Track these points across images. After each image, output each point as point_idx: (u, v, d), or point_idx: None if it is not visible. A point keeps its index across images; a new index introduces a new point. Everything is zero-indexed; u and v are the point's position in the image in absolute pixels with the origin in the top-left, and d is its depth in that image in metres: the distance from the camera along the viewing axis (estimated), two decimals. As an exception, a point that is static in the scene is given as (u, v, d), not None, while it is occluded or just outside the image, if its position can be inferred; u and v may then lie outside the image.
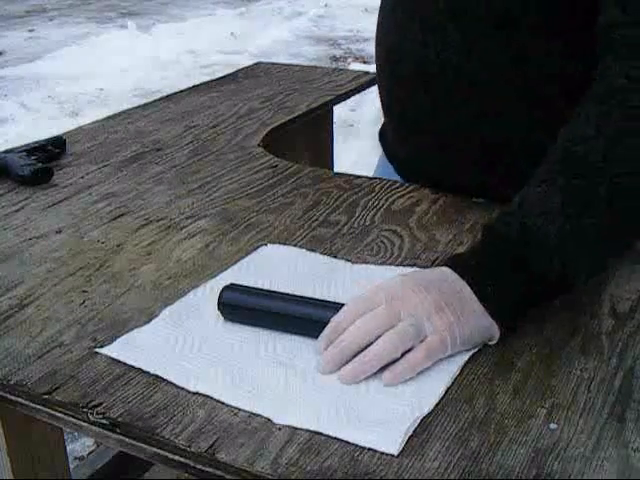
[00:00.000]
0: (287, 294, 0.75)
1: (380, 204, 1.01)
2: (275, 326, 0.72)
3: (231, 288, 0.75)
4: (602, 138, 0.72)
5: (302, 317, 0.71)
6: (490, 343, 0.70)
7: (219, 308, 0.74)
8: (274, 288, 0.77)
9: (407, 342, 0.66)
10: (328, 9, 7.35)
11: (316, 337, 0.70)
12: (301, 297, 0.74)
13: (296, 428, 0.60)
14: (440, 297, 0.68)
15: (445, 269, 0.72)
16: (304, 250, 0.89)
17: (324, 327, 0.70)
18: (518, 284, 0.70)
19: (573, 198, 0.71)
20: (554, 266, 0.70)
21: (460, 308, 0.68)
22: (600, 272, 0.77)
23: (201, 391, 0.64)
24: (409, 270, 0.81)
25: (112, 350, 0.70)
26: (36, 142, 1.21)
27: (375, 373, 0.66)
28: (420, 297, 0.68)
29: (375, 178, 1.10)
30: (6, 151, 1.17)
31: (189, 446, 0.59)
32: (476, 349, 0.69)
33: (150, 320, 0.75)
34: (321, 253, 0.88)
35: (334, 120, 1.84)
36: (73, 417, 0.64)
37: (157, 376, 0.66)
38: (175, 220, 0.98)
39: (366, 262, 0.86)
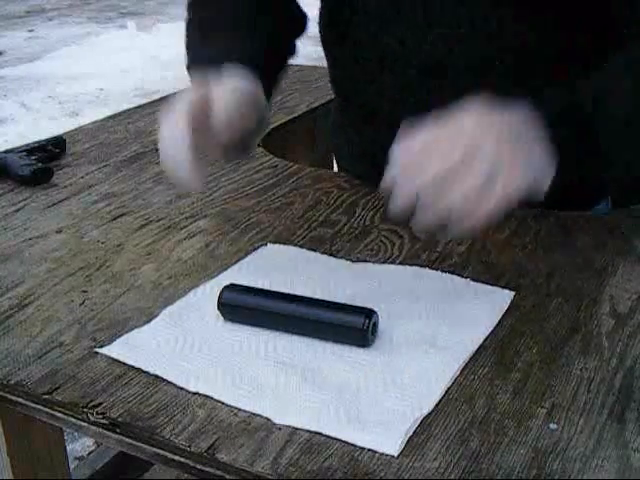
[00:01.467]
0: (287, 294, 0.75)
1: (380, 204, 1.01)
2: (275, 326, 0.72)
3: (231, 288, 0.75)
4: None
5: (302, 317, 0.71)
6: (537, 197, 0.70)
7: (219, 308, 0.74)
8: (274, 288, 0.77)
9: (479, 191, 0.65)
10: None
11: (316, 337, 0.70)
12: (301, 297, 0.74)
13: (296, 428, 0.60)
14: (511, 142, 0.67)
15: (519, 108, 0.70)
16: (304, 250, 0.89)
17: (324, 327, 0.70)
18: (579, 144, 0.71)
19: None
20: (609, 142, 0.72)
21: (528, 153, 0.68)
22: (627, 174, 0.79)
23: (201, 391, 0.64)
24: (414, 273, 0.81)
25: (112, 350, 0.70)
26: (36, 142, 1.21)
27: (375, 373, 0.66)
28: (493, 142, 0.66)
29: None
30: (6, 151, 1.17)
31: (189, 446, 0.59)
32: (476, 348, 0.69)
33: (150, 320, 0.75)
34: (321, 253, 0.88)
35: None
36: (73, 417, 0.64)
37: (157, 376, 0.66)
38: (175, 220, 0.98)
39: (366, 262, 0.86)
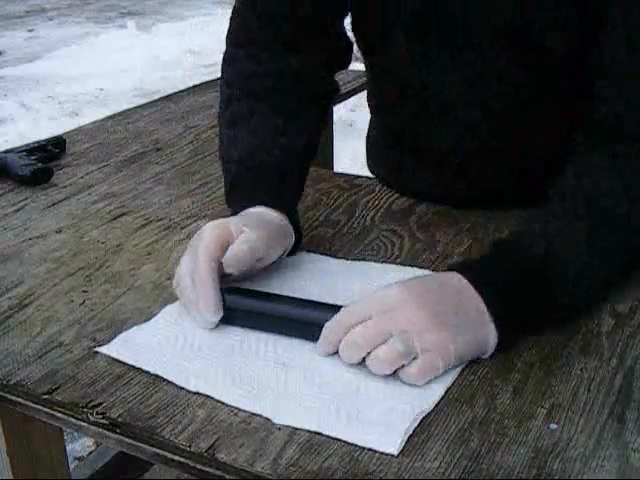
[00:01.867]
0: (287, 297, 0.75)
1: (380, 204, 1.01)
2: (275, 329, 0.72)
3: (231, 291, 0.75)
4: (628, 194, 0.75)
5: (301, 320, 0.71)
6: (483, 357, 0.69)
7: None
8: (274, 288, 0.77)
9: (396, 362, 0.64)
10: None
11: (316, 340, 0.70)
12: (300, 300, 0.73)
13: (296, 428, 0.60)
14: (437, 310, 0.66)
15: (453, 274, 0.70)
16: (304, 250, 0.89)
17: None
18: (529, 300, 0.70)
19: (596, 240, 0.73)
20: (565, 295, 0.71)
21: (458, 322, 0.66)
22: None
23: (201, 391, 0.64)
24: (415, 273, 0.80)
25: (112, 349, 0.70)
26: (36, 142, 1.21)
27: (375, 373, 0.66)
28: (414, 311, 0.65)
29: (375, 178, 1.10)
30: (6, 151, 1.17)
31: (189, 446, 0.59)
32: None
33: (150, 319, 0.75)
34: (321, 253, 0.88)
35: (334, 120, 1.84)
36: (73, 417, 0.64)
37: (157, 376, 0.66)
38: (175, 220, 0.98)
39: (366, 262, 0.86)
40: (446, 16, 0.88)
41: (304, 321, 0.71)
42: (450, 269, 0.71)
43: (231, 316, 0.73)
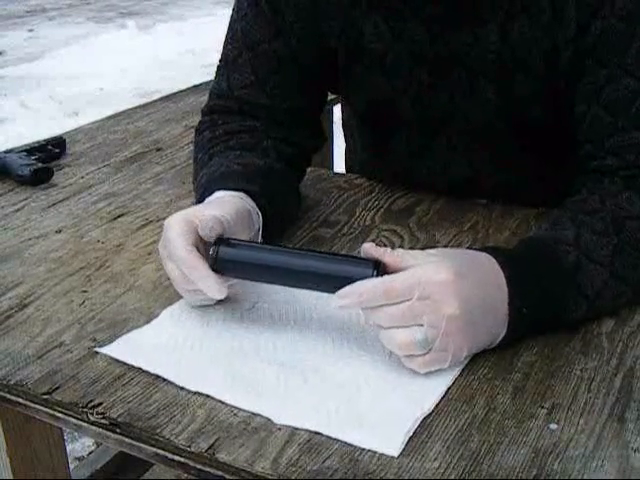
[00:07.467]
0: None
1: (380, 204, 1.01)
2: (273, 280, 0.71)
3: (226, 242, 0.72)
4: None
5: (326, 274, 0.69)
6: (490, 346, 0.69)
7: (215, 264, 0.71)
8: (274, 288, 0.77)
9: (411, 350, 0.65)
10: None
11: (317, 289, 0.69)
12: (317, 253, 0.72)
13: (296, 428, 0.60)
14: (472, 306, 0.65)
15: (493, 263, 0.69)
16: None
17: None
18: (546, 306, 0.70)
19: (620, 258, 0.74)
20: (579, 310, 0.72)
21: (483, 320, 0.66)
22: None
23: (201, 391, 0.64)
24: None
25: (112, 350, 0.70)
26: (36, 142, 1.21)
27: (375, 373, 0.66)
28: (454, 308, 0.64)
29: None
30: (6, 151, 1.17)
31: (189, 446, 0.59)
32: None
33: (150, 320, 0.75)
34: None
35: (334, 120, 1.83)
36: (73, 417, 0.64)
37: (157, 376, 0.66)
38: (175, 220, 0.97)
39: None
40: (440, 111, 0.93)
41: (328, 274, 0.68)
42: (486, 251, 0.71)
43: (226, 268, 0.71)
